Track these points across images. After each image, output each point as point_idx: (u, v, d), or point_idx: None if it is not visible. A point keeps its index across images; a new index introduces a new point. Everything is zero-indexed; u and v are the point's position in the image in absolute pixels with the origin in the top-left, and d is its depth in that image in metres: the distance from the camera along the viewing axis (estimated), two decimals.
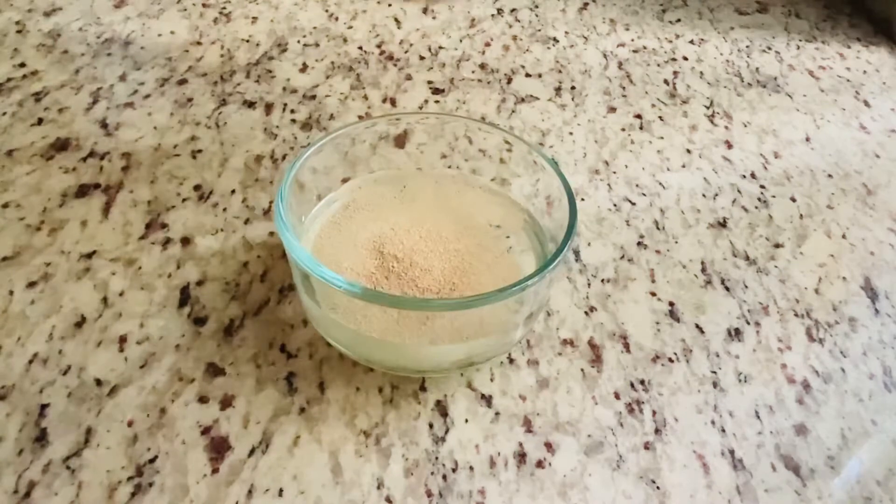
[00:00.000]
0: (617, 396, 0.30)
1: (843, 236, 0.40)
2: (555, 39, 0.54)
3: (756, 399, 0.31)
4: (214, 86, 0.45)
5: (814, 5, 0.63)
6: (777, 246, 0.38)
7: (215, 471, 0.26)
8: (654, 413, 0.30)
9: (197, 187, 0.38)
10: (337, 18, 0.53)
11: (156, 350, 0.30)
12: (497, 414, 0.29)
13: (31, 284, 0.32)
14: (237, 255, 0.34)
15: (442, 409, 0.29)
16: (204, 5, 0.53)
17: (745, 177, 0.43)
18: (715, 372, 0.32)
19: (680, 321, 0.34)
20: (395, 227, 0.31)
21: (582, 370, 0.31)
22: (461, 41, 0.52)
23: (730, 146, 0.45)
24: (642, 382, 0.31)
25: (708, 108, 0.48)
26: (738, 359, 0.32)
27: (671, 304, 0.34)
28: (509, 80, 0.48)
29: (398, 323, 0.28)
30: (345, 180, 0.34)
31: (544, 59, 0.51)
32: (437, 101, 0.46)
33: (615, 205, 0.40)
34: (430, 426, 0.28)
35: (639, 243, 0.37)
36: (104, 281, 0.32)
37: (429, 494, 0.26)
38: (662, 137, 0.45)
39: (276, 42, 0.50)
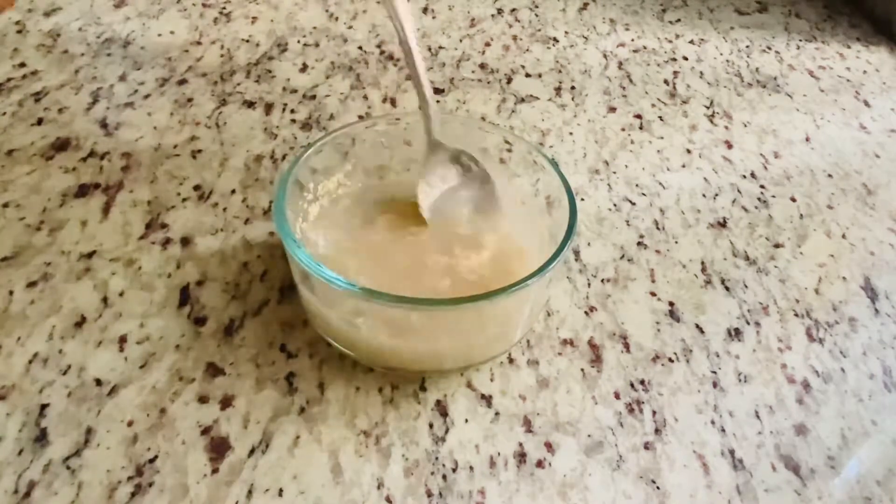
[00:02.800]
0: (617, 396, 0.30)
1: (843, 236, 0.40)
2: (555, 39, 0.54)
3: (756, 399, 0.31)
4: (214, 86, 0.45)
5: (814, 5, 0.63)
6: (777, 246, 0.38)
7: (215, 471, 0.26)
8: (654, 413, 0.30)
9: (197, 187, 0.38)
10: (337, 18, 0.53)
11: (156, 350, 0.30)
12: (497, 414, 0.29)
13: (31, 284, 0.32)
14: (237, 255, 0.34)
15: (442, 409, 0.29)
16: (204, 5, 0.53)
17: (745, 177, 0.43)
18: (715, 372, 0.32)
19: (680, 321, 0.34)
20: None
21: (582, 370, 0.31)
22: (461, 41, 0.52)
23: (730, 146, 0.45)
24: (642, 382, 0.31)
25: (708, 108, 0.48)
26: (738, 359, 0.32)
27: (671, 304, 0.34)
28: (509, 80, 0.48)
29: (398, 322, 0.28)
30: (345, 180, 0.34)
31: (544, 59, 0.51)
32: (437, 101, 0.46)
33: (615, 205, 0.40)
34: (430, 426, 0.28)
35: (639, 243, 0.37)
36: (104, 281, 0.32)
37: (429, 494, 0.26)
38: (662, 137, 0.45)
39: (276, 42, 0.50)
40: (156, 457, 0.26)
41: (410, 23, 0.30)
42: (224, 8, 0.53)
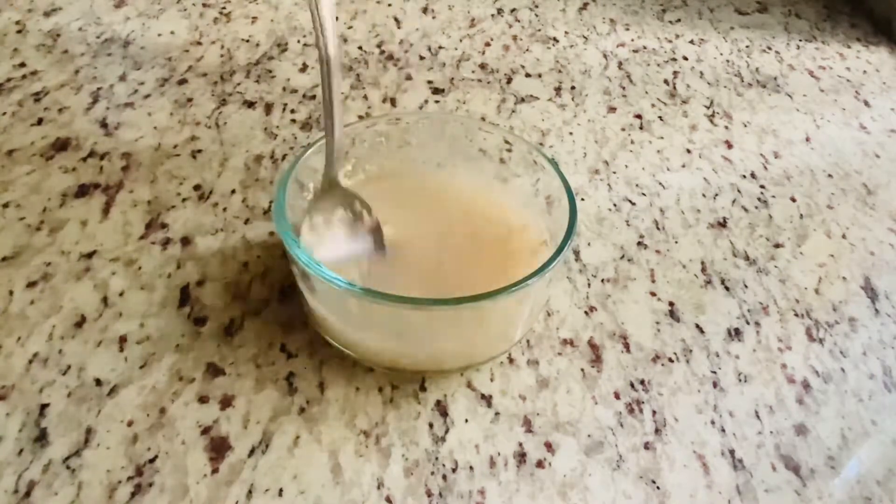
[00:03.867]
0: (617, 396, 0.30)
1: (843, 236, 0.40)
2: (555, 39, 0.54)
3: (756, 399, 0.31)
4: (214, 86, 0.45)
5: (814, 5, 0.63)
6: (777, 246, 0.38)
7: (215, 471, 0.26)
8: (654, 413, 0.30)
9: (197, 187, 0.38)
10: (337, 18, 0.53)
11: (156, 350, 0.30)
12: (497, 414, 0.29)
13: (31, 284, 0.32)
14: (237, 255, 0.34)
15: (442, 409, 0.29)
16: (204, 5, 0.53)
17: (745, 177, 0.43)
18: (715, 372, 0.32)
19: (680, 321, 0.34)
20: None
21: (582, 370, 0.31)
22: (461, 41, 0.52)
23: (730, 146, 0.45)
24: (642, 382, 0.31)
25: (708, 108, 0.48)
26: (738, 359, 0.32)
27: (671, 304, 0.34)
28: (509, 80, 0.48)
29: (398, 322, 0.28)
30: (345, 180, 0.34)
31: (544, 59, 0.51)
32: (437, 101, 0.46)
33: (615, 205, 0.40)
34: (430, 426, 0.28)
35: (639, 243, 0.37)
36: (104, 281, 0.32)
37: (429, 494, 0.26)
38: (662, 137, 0.45)
39: (276, 42, 0.50)
40: (156, 457, 0.26)
41: (333, 31, 0.26)
42: (224, 8, 0.53)
